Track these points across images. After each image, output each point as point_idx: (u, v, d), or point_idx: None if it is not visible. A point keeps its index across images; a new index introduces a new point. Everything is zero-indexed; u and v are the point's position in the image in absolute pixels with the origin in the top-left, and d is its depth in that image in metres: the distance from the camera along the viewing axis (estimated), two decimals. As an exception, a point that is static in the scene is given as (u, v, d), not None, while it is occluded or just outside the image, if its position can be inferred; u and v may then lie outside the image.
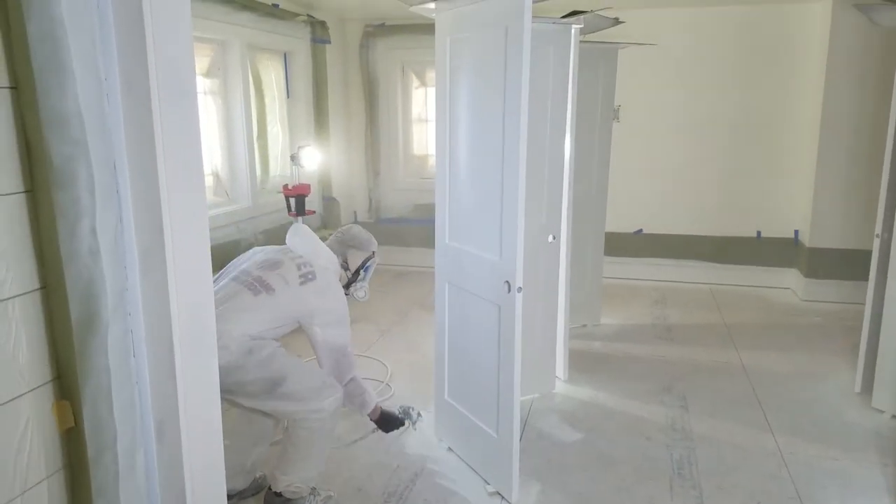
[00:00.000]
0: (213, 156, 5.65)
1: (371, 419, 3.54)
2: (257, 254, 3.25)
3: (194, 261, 1.80)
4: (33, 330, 1.66)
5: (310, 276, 3.09)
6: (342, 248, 3.47)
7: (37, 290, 1.66)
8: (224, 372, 2.76)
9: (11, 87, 1.57)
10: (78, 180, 1.61)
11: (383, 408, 3.59)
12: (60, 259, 1.62)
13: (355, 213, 7.86)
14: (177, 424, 1.79)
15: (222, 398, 2.78)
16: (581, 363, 4.92)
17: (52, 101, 1.56)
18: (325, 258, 3.26)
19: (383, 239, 8.06)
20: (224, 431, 2.01)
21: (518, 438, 3.18)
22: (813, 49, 6.41)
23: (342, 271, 3.43)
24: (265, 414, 3.17)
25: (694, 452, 3.72)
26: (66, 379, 1.72)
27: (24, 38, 1.53)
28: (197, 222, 1.80)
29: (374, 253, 3.55)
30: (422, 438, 3.86)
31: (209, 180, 5.57)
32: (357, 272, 3.49)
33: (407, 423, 3.73)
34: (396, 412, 3.69)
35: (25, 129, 1.59)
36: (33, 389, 1.66)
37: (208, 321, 1.88)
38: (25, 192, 1.62)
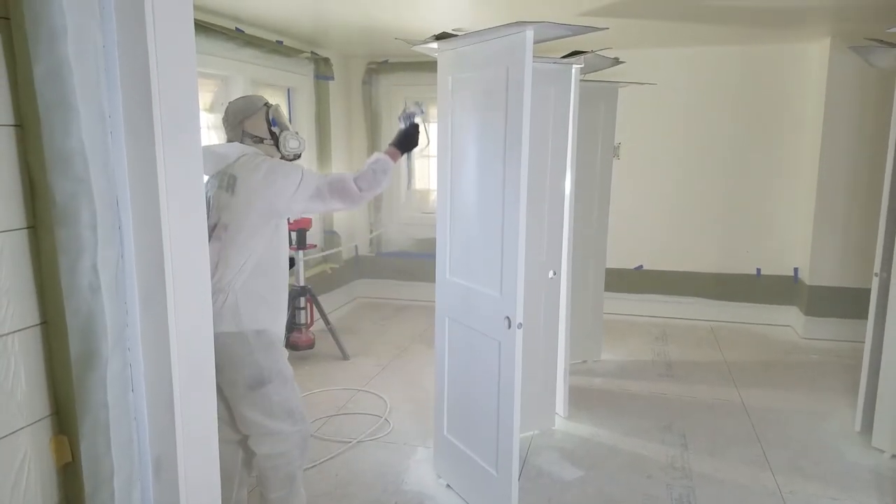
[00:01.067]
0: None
1: (397, 160, 3.29)
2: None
3: (194, 297, 1.81)
4: (32, 365, 1.66)
5: (231, 182, 2.89)
6: (237, 130, 3.10)
7: (37, 325, 1.67)
8: (228, 341, 2.83)
9: (16, 126, 1.59)
10: (80, 217, 1.62)
11: (394, 142, 3.35)
12: (61, 294, 1.63)
13: (356, 246, 7.89)
14: (174, 460, 1.79)
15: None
16: (581, 399, 4.90)
17: (56, 139, 1.58)
18: (232, 154, 2.99)
19: (384, 273, 8.13)
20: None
21: (517, 476, 3.16)
22: (811, 89, 6.47)
23: (256, 147, 3.08)
24: (234, 429, 3.07)
25: (694, 491, 3.70)
26: (64, 414, 1.72)
27: (30, 77, 1.56)
28: (197, 259, 1.81)
29: (266, 103, 3.13)
30: (420, 475, 3.84)
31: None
32: (272, 134, 3.10)
33: (417, 119, 3.44)
34: (402, 126, 3.44)
35: (29, 167, 1.62)
36: (31, 424, 1.66)
37: (207, 358, 1.88)
38: (28, 228, 1.63)
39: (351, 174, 3.08)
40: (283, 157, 3.13)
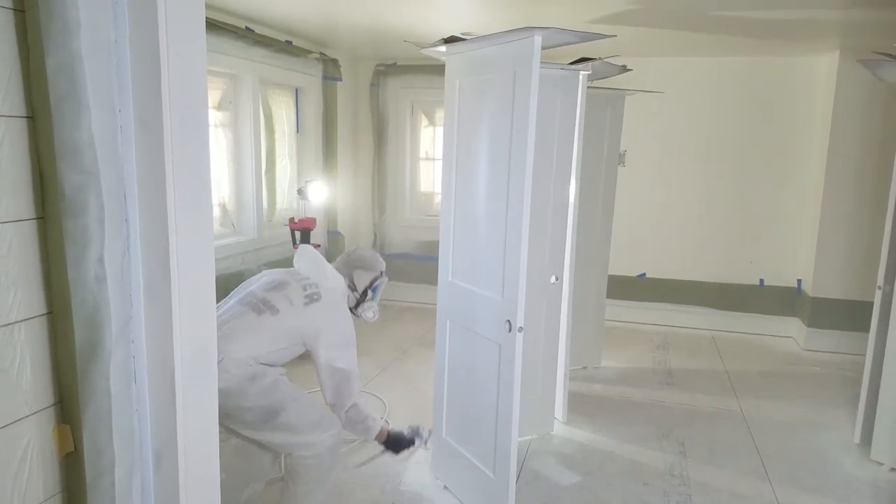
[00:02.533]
0: (221, 187, 5.71)
1: (379, 443, 3.43)
2: (264, 276, 3.26)
3: (199, 291, 1.83)
4: (38, 354, 1.68)
5: (315, 297, 3.10)
6: (348, 269, 3.44)
7: (43, 314, 1.69)
8: (223, 395, 2.72)
9: (28, 117, 1.61)
10: (88, 209, 1.64)
11: (391, 429, 3.49)
12: (67, 285, 1.65)
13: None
14: (175, 453, 1.80)
15: (220, 424, 2.79)
16: (580, 405, 4.91)
17: (66, 131, 1.60)
18: (331, 279, 3.27)
19: (387, 274, 8.12)
20: (220, 465, 2.02)
21: (515, 480, 3.17)
22: (818, 101, 6.48)
23: (349, 292, 3.40)
24: (262, 447, 3.16)
25: (691, 499, 3.70)
26: (67, 403, 1.73)
27: (42, 70, 1.57)
28: (203, 253, 1.83)
29: (381, 273, 3.52)
30: (418, 476, 3.85)
31: (216, 211, 5.63)
32: (365, 293, 3.45)
33: (417, 441, 3.60)
34: (405, 432, 3.57)
35: (39, 158, 1.63)
36: (35, 413, 1.68)
37: (210, 351, 1.90)
38: (36, 219, 1.65)
39: (359, 392, 3.20)
40: (352, 308, 3.42)
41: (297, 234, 5.81)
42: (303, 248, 3.39)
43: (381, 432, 3.37)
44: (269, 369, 2.93)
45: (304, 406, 3.00)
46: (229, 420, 2.87)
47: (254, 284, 3.19)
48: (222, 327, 2.83)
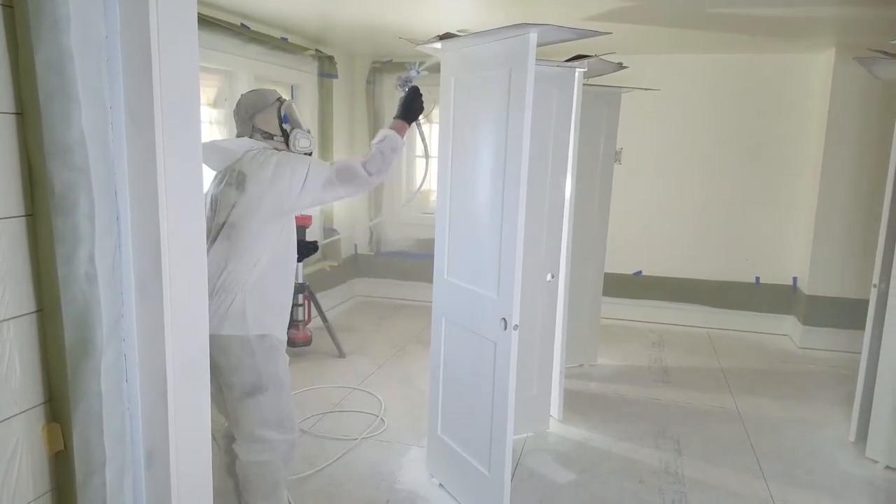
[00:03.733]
0: (216, 184, 5.67)
1: (408, 125, 3.20)
2: (210, 193, 2.97)
3: (191, 290, 1.82)
4: (27, 352, 1.67)
5: (240, 179, 2.82)
6: (247, 125, 3.02)
7: (33, 312, 1.68)
8: (228, 343, 2.78)
9: (17, 114, 1.60)
10: (78, 207, 1.63)
11: (397, 115, 3.22)
12: (57, 283, 1.64)
13: (356, 245, 7.89)
14: (166, 452, 1.79)
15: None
16: (576, 403, 4.90)
17: (56, 128, 1.59)
18: (239, 148, 2.92)
19: (383, 272, 8.13)
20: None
21: (510, 477, 3.16)
22: (815, 99, 6.48)
23: (268, 141, 3.01)
24: (225, 434, 3.08)
25: (686, 497, 3.70)
26: (57, 402, 1.73)
27: (31, 66, 1.56)
28: (195, 252, 1.82)
29: (278, 99, 3.06)
30: (413, 474, 3.84)
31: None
32: (283, 131, 3.04)
33: (412, 73, 3.40)
34: (401, 93, 3.33)
35: (29, 155, 1.62)
36: (25, 411, 1.67)
37: (202, 351, 1.89)
38: (26, 216, 1.64)
39: (359, 159, 3.00)
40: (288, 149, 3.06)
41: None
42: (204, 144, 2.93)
43: (399, 128, 3.15)
44: (279, 342, 2.92)
45: (281, 397, 2.94)
46: (218, 378, 2.85)
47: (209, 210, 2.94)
48: (212, 266, 2.79)
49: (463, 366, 3.46)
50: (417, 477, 3.82)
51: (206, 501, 1.98)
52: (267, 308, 2.89)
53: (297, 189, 2.84)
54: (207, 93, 5.48)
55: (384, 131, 3.10)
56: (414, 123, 3.28)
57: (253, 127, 3.00)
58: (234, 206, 2.81)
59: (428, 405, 3.79)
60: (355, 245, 7.89)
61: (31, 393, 1.69)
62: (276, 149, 2.99)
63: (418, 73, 3.34)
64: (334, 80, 7.05)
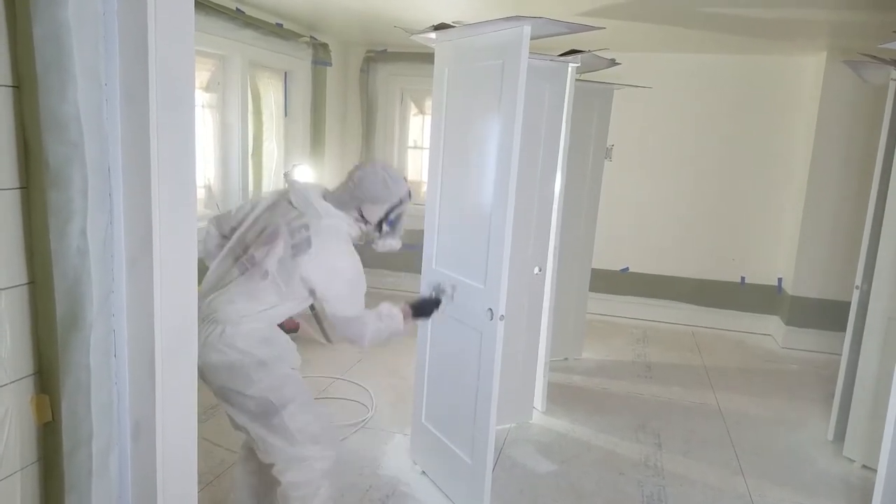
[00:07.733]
0: (206, 168, 5.68)
1: (413, 319, 3.09)
2: (258, 207, 2.84)
3: (180, 268, 1.83)
4: (18, 323, 1.68)
5: (304, 245, 2.61)
6: (354, 203, 2.79)
7: (24, 284, 1.69)
8: (228, 372, 2.55)
9: (14, 86, 1.61)
10: (72, 182, 1.64)
11: (412, 303, 3.14)
12: (49, 256, 1.66)
13: (345, 234, 7.87)
14: (153, 426, 1.81)
15: (224, 402, 2.65)
16: (559, 395, 4.94)
17: (52, 102, 1.60)
18: (328, 217, 2.72)
19: (372, 262, 8.10)
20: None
21: (492, 466, 3.19)
22: (804, 101, 6.53)
23: (359, 225, 2.83)
24: (260, 446, 2.72)
25: (665, 490, 3.75)
26: (46, 374, 1.74)
27: (29, 39, 1.57)
28: (186, 230, 1.83)
29: (400, 200, 2.87)
30: (397, 461, 3.87)
31: (201, 192, 5.60)
32: (380, 225, 2.87)
33: (444, 299, 3.30)
34: (430, 293, 3.33)
35: (24, 128, 1.64)
36: (14, 381, 1.69)
37: (190, 326, 1.90)
38: (20, 188, 1.65)
39: (374, 317, 2.85)
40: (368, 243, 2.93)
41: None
42: (292, 181, 2.84)
43: (405, 317, 2.96)
44: (281, 363, 2.67)
45: (307, 413, 2.70)
46: (230, 403, 2.65)
47: (245, 223, 2.80)
48: (218, 284, 2.64)
49: (449, 354, 3.49)
50: (401, 464, 3.85)
51: (191, 473, 2.00)
52: (261, 343, 2.65)
53: (325, 289, 2.68)
54: (201, 76, 5.47)
55: (392, 308, 2.92)
56: None
57: (358, 208, 2.80)
58: (275, 259, 2.61)
59: (413, 393, 3.81)
60: (344, 234, 7.87)
61: (20, 364, 1.70)
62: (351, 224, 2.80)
63: (452, 297, 3.32)
64: (328, 68, 7.04)
